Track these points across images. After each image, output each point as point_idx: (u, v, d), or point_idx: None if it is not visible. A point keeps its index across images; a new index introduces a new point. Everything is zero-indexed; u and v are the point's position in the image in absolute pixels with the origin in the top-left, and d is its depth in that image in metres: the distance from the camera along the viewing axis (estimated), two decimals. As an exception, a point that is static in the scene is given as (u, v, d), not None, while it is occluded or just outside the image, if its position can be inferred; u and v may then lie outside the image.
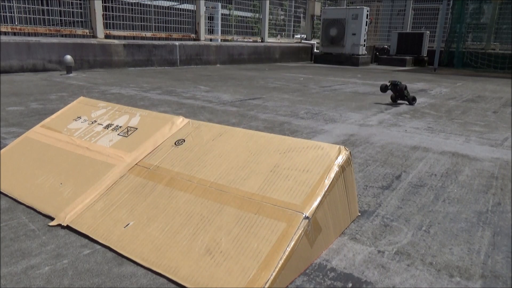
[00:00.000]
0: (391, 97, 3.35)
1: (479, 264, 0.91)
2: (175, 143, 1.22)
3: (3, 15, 4.94)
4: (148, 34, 6.29)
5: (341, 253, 0.93)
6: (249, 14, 8.86)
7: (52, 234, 0.98)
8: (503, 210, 1.20)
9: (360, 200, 1.24)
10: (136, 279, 0.81)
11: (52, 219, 1.05)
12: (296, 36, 10.55)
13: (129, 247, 0.91)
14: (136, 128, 1.33)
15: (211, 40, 7.63)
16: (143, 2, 6.38)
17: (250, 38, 8.51)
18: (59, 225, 1.02)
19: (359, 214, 1.14)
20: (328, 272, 0.86)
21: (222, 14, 8.62)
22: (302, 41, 10.05)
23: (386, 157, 1.72)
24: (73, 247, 0.92)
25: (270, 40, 8.91)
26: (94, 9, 5.30)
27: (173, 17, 6.85)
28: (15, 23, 5.14)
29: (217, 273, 0.80)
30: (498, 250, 0.97)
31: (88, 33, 5.39)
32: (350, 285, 0.82)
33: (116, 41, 5.52)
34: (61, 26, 5.35)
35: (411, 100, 3.27)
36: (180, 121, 1.32)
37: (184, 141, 1.22)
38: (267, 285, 0.75)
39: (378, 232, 1.04)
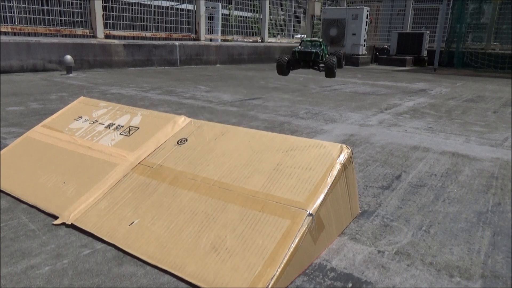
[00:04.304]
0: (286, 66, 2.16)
1: (479, 264, 0.91)
2: (177, 142, 1.22)
3: (3, 15, 4.94)
4: (148, 34, 6.29)
5: (341, 253, 0.93)
6: (249, 14, 8.86)
7: (52, 234, 0.98)
8: (503, 210, 1.20)
9: (360, 200, 1.24)
10: (136, 279, 0.81)
11: (55, 217, 1.05)
12: (296, 36, 10.55)
13: (135, 244, 0.91)
14: (138, 128, 1.33)
15: (211, 40, 7.63)
16: (143, 2, 6.38)
17: (250, 38, 8.51)
18: (63, 223, 1.02)
19: (360, 212, 1.15)
20: (328, 272, 0.86)
21: (222, 14, 8.61)
22: (302, 41, 10.03)
23: (386, 157, 1.72)
24: (73, 247, 0.92)
25: (270, 40, 8.90)
26: (94, 9, 5.30)
27: (173, 17, 6.85)
28: (15, 23, 5.14)
29: (223, 270, 0.81)
30: (498, 250, 0.97)
31: (88, 33, 5.39)
32: (350, 285, 0.82)
33: (116, 41, 5.52)
34: (61, 26, 5.35)
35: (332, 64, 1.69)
36: (182, 120, 1.32)
37: (187, 140, 1.22)
38: (273, 280, 0.76)
39: (378, 232, 1.04)
